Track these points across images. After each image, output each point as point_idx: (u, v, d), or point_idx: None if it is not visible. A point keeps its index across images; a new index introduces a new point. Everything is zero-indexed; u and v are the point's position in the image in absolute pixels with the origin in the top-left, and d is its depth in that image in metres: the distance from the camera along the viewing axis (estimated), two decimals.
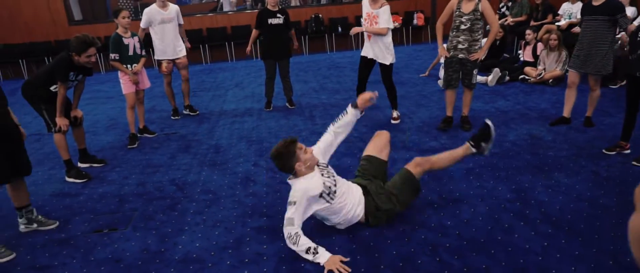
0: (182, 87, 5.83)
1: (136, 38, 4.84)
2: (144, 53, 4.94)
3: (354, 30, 4.87)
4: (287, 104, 6.02)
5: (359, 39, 10.79)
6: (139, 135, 5.05)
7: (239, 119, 5.64)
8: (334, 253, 2.57)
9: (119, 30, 4.71)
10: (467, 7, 4.28)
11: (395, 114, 5.10)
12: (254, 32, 5.82)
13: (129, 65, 4.77)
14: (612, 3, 3.97)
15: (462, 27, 4.31)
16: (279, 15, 5.62)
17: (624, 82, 5.77)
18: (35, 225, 3.16)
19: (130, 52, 4.77)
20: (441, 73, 5.13)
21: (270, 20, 5.59)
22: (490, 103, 5.58)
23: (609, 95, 5.53)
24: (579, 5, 6.81)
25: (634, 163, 3.55)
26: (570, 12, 7.10)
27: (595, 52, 4.10)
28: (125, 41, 4.71)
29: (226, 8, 11.30)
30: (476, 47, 4.35)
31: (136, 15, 10.01)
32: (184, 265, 2.64)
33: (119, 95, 7.41)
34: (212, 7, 11.65)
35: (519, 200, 3.14)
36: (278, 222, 3.04)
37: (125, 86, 4.80)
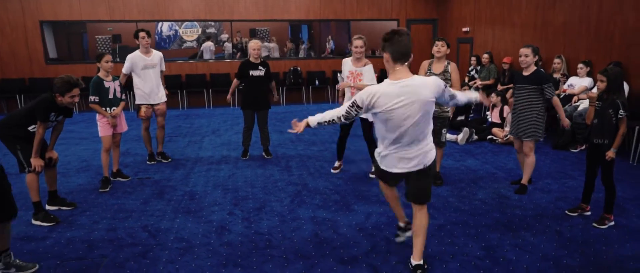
0: (157, 134, 5.82)
1: (117, 82, 4.89)
2: (123, 97, 4.97)
3: (343, 85, 5.04)
4: (263, 154, 6.08)
5: (335, 93, 11.10)
6: (112, 178, 4.98)
7: (214, 166, 5.64)
8: None
9: (101, 74, 4.76)
10: (437, 68, 4.57)
11: (374, 168, 5.22)
12: (235, 81, 5.96)
13: (108, 108, 4.78)
14: (540, 74, 4.35)
15: None
16: (260, 67, 5.79)
17: (584, 147, 6.14)
18: (13, 270, 3.03)
19: (111, 96, 4.81)
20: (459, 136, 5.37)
21: (251, 72, 5.75)
22: (461, 161, 5.79)
23: (570, 158, 5.84)
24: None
25: (594, 225, 3.73)
26: None
27: (527, 118, 4.38)
28: (106, 84, 4.75)
29: (206, 56, 11.52)
30: (446, 107, 4.59)
31: (114, 58, 10.08)
32: None
33: (92, 137, 7.33)
34: (192, 54, 11.85)
35: (488, 257, 3.24)
36: None
37: (103, 129, 4.78)
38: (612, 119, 3.62)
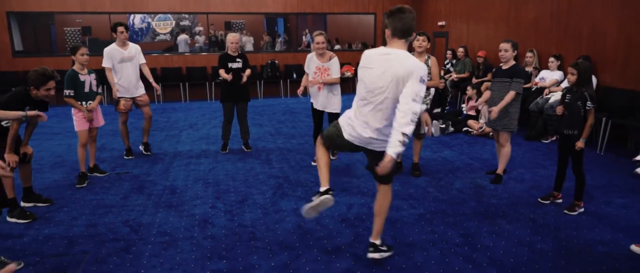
0: (144, 125, 5.76)
1: (93, 75, 4.79)
2: (100, 90, 4.88)
3: (314, 82, 5.08)
4: (243, 147, 6.07)
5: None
6: (89, 174, 4.89)
7: (194, 160, 5.61)
8: None
9: (76, 67, 4.66)
10: None
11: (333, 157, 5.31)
12: (222, 72, 5.77)
13: (84, 102, 4.68)
14: (517, 68, 4.49)
15: None
16: (238, 59, 5.77)
17: (555, 138, 6.37)
18: None
19: (86, 89, 4.71)
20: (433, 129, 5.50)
21: (230, 64, 5.72)
22: (438, 152, 5.93)
23: (542, 149, 6.05)
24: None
25: (566, 212, 3.90)
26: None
27: (503, 110, 4.50)
28: (82, 78, 4.66)
29: (182, 49, 11.35)
30: (426, 99, 4.69)
31: None
32: None
33: (66, 131, 7.16)
34: (166, 47, 11.66)
35: (467, 244, 3.35)
36: (238, 265, 3.06)
37: (79, 123, 4.69)
38: (581, 111, 3.77)
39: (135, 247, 3.32)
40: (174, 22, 11.56)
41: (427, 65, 4.63)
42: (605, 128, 5.77)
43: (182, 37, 11.57)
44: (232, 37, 5.78)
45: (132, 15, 11.39)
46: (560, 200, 4.12)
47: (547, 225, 3.66)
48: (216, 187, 4.59)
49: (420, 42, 4.60)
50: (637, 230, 3.57)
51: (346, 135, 2.86)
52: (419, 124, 4.75)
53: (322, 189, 2.84)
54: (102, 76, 5.25)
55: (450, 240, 3.42)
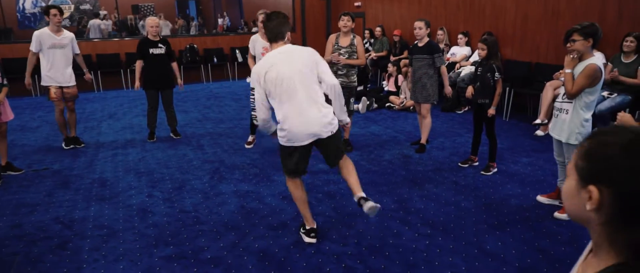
0: (68, 118, 5.41)
1: None
2: (5, 82, 4.47)
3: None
4: (171, 134, 5.91)
5: (236, 70, 11.00)
6: (1, 173, 4.49)
7: (121, 151, 5.36)
8: None
9: None
10: (344, 42, 4.85)
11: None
12: (139, 63, 5.55)
13: None
14: (432, 45, 4.87)
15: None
16: (160, 44, 5.56)
17: (467, 108, 6.97)
18: None
19: None
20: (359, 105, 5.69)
21: (152, 50, 5.49)
22: (365, 128, 6.23)
23: (457, 119, 6.61)
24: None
25: (482, 173, 4.36)
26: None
27: (422, 84, 4.91)
28: None
29: (93, 35, 10.56)
30: (352, 74, 4.89)
31: None
32: None
33: None
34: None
35: (402, 209, 3.64)
36: (187, 249, 3.06)
37: None
38: (490, 81, 4.21)
39: (71, 243, 3.17)
40: (72, 6, 10.66)
41: (353, 44, 4.83)
42: (508, 97, 6.44)
43: (95, 22, 10.75)
44: (151, 21, 5.55)
45: None
46: (476, 163, 4.58)
47: (467, 186, 4.08)
48: (150, 176, 4.46)
49: (345, 22, 4.78)
50: (541, 183, 4.11)
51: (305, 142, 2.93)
52: (348, 101, 4.97)
53: (307, 227, 3.16)
54: (6, 66, 4.81)
55: (386, 206, 3.68)
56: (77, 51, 5.37)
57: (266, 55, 2.94)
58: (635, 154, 0.74)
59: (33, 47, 5.07)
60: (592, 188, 0.78)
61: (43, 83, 5.19)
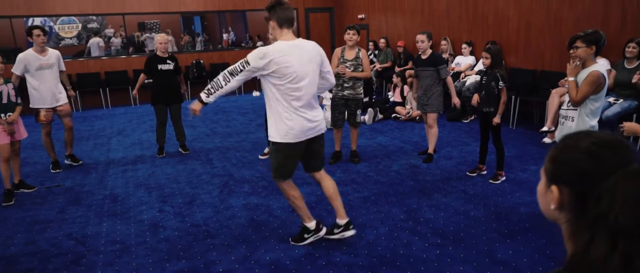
0: (65, 137, 5.43)
1: (10, 85, 4.46)
2: (19, 101, 4.56)
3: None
4: (180, 149, 5.96)
5: (242, 84, 11.08)
6: (14, 191, 4.56)
7: (131, 166, 5.42)
8: None
9: None
10: (349, 55, 4.91)
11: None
12: (142, 76, 5.75)
13: (2, 115, 4.36)
14: (435, 57, 4.90)
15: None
16: (169, 61, 5.66)
17: (473, 117, 6.99)
18: None
19: (4, 100, 4.38)
20: (327, 115, 5.67)
21: (160, 66, 5.59)
22: (372, 139, 6.26)
23: (463, 128, 6.63)
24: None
25: (491, 181, 4.37)
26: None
27: (429, 95, 4.94)
28: None
29: (95, 53, 10.70)
30: (358, 86, 4.94)
31: None
32: None
33: None
34: (76, 52, 10.91)
35: (411, 219, 3.65)
36: (199, 263, 3.09)
37: None
38: (495, 90, 4.24)
39: (85, 259, 3.21)
40: (80, 25, 10.81)
41: (358, 57, 4.89)
42: (514, 105, 6.45)
43: (94, 41, 10.89)
44: (160, 38, 5.65)
45: (31, 19, 10.49)
46: (485, 172, 4.59)
47: (476, 195, 4.08)
48: (160, 191, 4.51)
49: (350, 35, 4.84)
50: None
51: (304, 138, 2.99)
52: (355, 113, 5.01)
53: (307, 225, 3.24)
54: (20, 85, 4.90)
55: (395, 217, 3.70)
56: (63, 68, 5.32)
57: (280, 46, 2.83)
58: (593, 157, 0.81)
59: (16, 70, 4.95)
60: (554, 188, 0.85)
61: (32, 105, 5.12)
